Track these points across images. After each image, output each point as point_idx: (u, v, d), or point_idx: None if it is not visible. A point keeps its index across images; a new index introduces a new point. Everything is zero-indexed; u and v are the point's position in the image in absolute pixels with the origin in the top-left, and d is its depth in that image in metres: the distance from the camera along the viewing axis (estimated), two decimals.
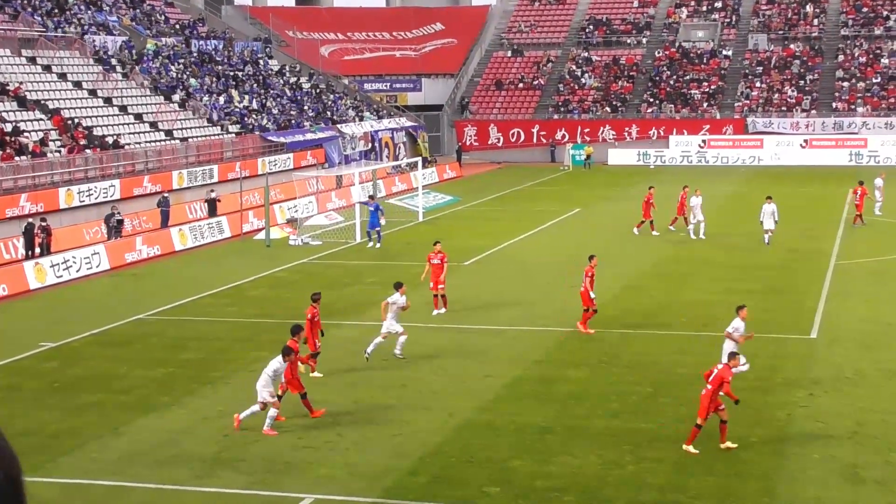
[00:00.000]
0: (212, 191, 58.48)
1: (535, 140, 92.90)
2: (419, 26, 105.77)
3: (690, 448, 22.11)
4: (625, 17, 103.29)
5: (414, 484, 21.01)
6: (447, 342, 31.72)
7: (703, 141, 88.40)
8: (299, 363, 25.07)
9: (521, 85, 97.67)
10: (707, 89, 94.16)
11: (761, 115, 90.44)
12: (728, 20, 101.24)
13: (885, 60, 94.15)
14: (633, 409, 25.22)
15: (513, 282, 40.73)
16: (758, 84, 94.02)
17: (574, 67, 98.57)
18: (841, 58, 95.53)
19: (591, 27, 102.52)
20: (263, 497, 20.37)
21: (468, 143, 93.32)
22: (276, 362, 23.88)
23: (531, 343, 31.32)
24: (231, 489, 20.71)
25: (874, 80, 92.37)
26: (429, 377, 28.17)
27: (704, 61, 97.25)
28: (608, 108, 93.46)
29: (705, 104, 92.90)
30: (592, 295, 32.13)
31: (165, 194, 55.84)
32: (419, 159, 69.62)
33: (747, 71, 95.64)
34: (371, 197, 53.38)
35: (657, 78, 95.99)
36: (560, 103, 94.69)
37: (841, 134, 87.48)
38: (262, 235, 51.69)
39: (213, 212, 56.37)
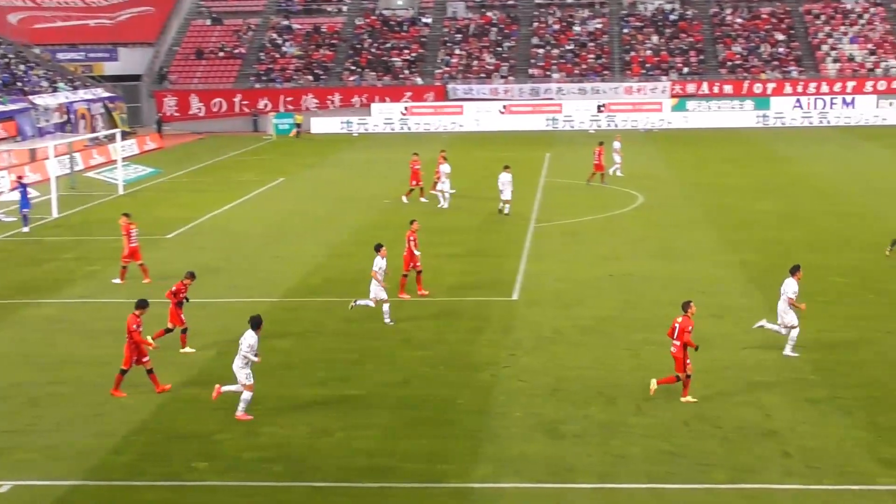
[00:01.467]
0: None
1: (237, 109, 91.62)
2: None
3: (690, 398, 22.85)
4: None
5: (118, 463, 20.38)
6: (149, 317, 30.83)
7: (406, 108, 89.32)
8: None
9: (221, 54, 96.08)
10: (408, 57, 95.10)
11: (461, 81, 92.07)
12: None
13: (577, 28, 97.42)
14: (340, 376, 25.23)
15: (218, 253, 40.05)
16: (457, 51, 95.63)
17: (275, 36, 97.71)
18: (536, 25, 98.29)
19: None
20: None
21: (169, 113, 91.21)
22: (251, 337, 22.44)
23: (237, 315, 30.80)
24: None
25: (567, 48, 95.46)
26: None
27: (405, 29, 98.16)
28: (310, 77, 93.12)
29: (407, 71, 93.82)
30: (417, 252, 32.14)
31: None
32: (118, 131, 67.52)
33: (447, 38, 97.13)
34: (18, 178, 51.41)
35: (358, 46, 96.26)
36: (262, 72, 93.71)
37: (538, 99, 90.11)
38: None
39: None
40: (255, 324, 22.70)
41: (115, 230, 40.66)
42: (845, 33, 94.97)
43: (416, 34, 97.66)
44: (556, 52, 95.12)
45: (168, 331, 27.65)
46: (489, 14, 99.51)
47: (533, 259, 37.77)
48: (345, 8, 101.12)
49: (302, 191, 56.14)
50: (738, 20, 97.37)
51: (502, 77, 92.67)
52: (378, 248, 29.82)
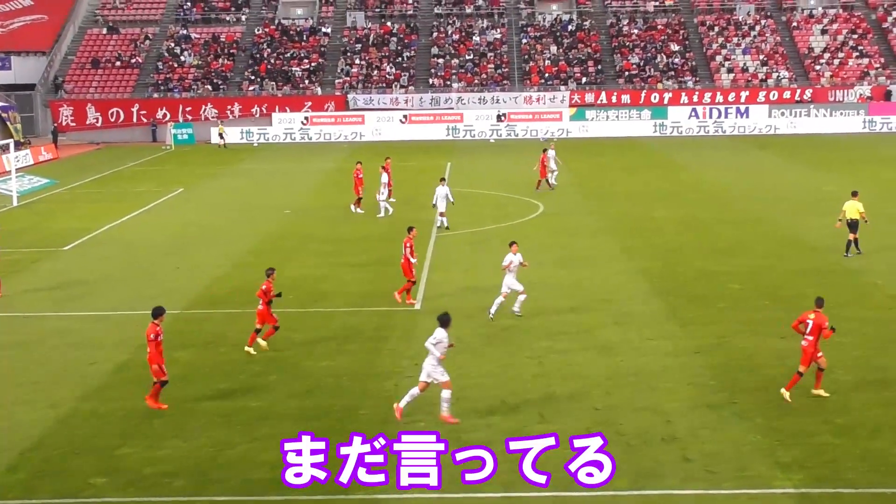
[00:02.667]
0: None
1: (135, 119, 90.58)
2: (4, 1, 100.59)
3: (787, 394, 23.08)
4: None
5: (13, 481, 20.00)
6: (48, 331, 30.38)
7: (306, 118, 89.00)
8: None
9: (118, 63, 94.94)
10: (308, 66, 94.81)
11: (362, 91, 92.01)
12: None
13: (476, 38, 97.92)
14: (243, 387, 25.05)
15: (116, 264, 39.53)
16: (357, 61, 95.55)
17: (173, 45, 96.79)
18: (436, 35, 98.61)
19: (189, 4, 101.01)
20: None
21: (64, 123, 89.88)
22: (441, 334, 22.57)
23: (137, 327, 30.42)
24: None
25: (467, 57, 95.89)
26: (30, 368, 26.91)
27: (304, 39, 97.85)
28: (209, 87, 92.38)
29: (307, 81, 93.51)
30: (413, 260, 32.32)
31: None
32: (11, 141, 66.27)
33: (347, 48, 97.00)
34: None
35: (258, 55, 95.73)
36: (160, 82, 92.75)
37: (438, 109, 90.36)
38: None
39: None
40: (444, 321, 22.90)
41: (8, 241, 40.03)
42: (738, 44, 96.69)
43: (316, 44, 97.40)
44: (455, 61, 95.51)
45: (258, 331, 27.87)
46: (389, 24, 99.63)
47: (435, 268, 37.85)
48: (244, 17, 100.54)
49: (202, 201, 55.64)
50: (635, 31, 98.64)
51: (402, 87, 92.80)
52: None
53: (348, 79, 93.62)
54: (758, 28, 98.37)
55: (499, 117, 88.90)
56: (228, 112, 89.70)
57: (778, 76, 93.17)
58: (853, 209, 38.60)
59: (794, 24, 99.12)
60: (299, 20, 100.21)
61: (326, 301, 33.41)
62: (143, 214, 51.33)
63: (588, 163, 69.60)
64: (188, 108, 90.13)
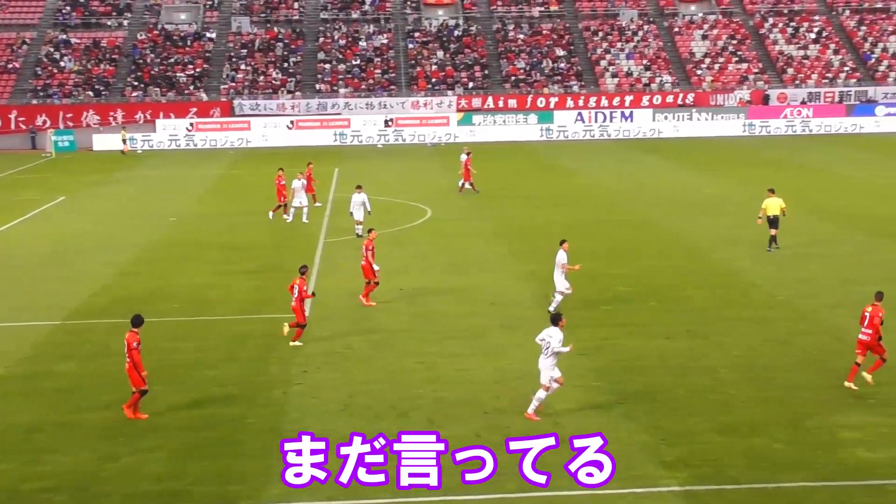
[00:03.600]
0: None
1: (13, 126, 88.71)
2: None
3: (853, 385, 23.68)
4: None
5: None
6: None
7: (191, 124, 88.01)
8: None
9: None
10: (193, 72, 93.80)
11: (248, 97, 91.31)
12: (210, 2, 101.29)
13: (363, 43, 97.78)
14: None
15: None
16: (243, 66, 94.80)
17: (52, 50, 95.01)
18: (322, 40, 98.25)
19: (69, 8, 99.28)
20: None
21: None
22: (556, 332, 22.77)
23: (16, 339, 29.81)
24: None
25: (354, 63, 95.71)
26: None
27: (188, 44, 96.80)
28: (91, 93, 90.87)
29: (192, 87, 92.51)
30: (376, 267, 32.73)
31: None
32: None
33: (232, 53, 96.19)
34: None
35: (141, 61, 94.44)
36: (39, 87, 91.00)
37: (325, 114, 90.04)
38: None
39: None
40: (556, 319, 23.24)
41: None
42: (622, 50, 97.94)
43: (201, 49, 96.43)
44: (342, 67, 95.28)
45: (302, 326, 28.85)
46: (275, 29, 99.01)
47: (324, 275, 37.67)
48: (125, 22, 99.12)
49: (85, 209, 54.67)
50: (521, 36, 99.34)
51: (289, 92, 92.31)
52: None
53: (234, 84, 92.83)
54: (641, 33, 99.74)
55: (386, 122, 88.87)
56: (111, 119, 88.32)
57: (661, 81, 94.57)
58: (774, 206, 39.83)
59: (676, 29, 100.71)
60: (183, 25, 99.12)
61: (214, 309, 33.07)
62: (23, 223, 50.28)
63: (476, 167, 69.80)
64: (69, 115, 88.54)
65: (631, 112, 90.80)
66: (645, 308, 32.07)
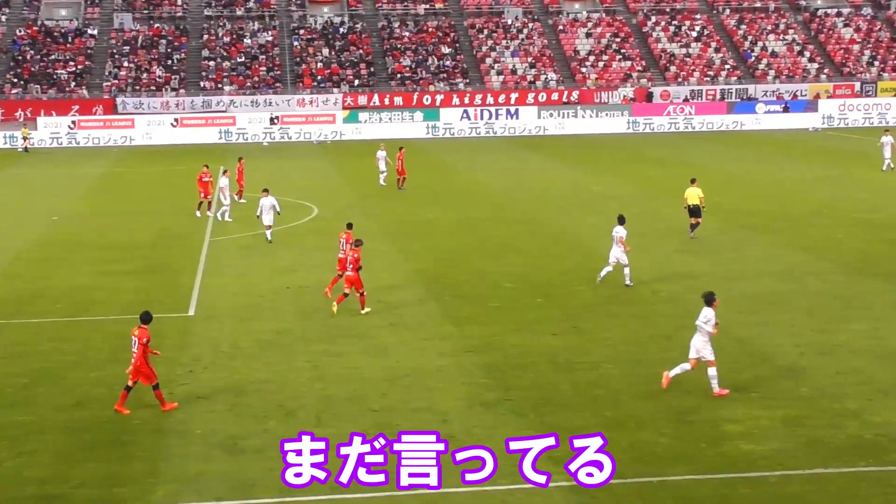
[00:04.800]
0: None
1: None
2: None
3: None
4: None
5: None
6: None
7: (73, 122, 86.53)
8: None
9: None
10: (74, 69, 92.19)
11: (131, 94, 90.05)
12: None
13: (247, 40, 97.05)
14: (9, 401, 24.13)
15: None
16: (126, 64, 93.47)
17: None
18: (206, 37, 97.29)
19: None
20: None
21: None
22: (709, 312, 23.45)
23: None
24: None
25: (239, 60, 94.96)
26: None
27: (69, 41, 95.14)
28: None
29: (73, 84, 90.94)
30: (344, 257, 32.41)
31: None
32: None
33: (114, 50, 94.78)
34: None
35: (20, 57, 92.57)
36: None
37: (210, 112, 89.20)
38: None
39: None
40: (709, 300, 23.60)
41: None
42: (507, 47, 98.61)
43: (82, 46, 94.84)
44: (227, 64, 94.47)
45: (346, 295, 30.67)
46: (158, 26, 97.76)
47: (209, 274, 37.31)
48: (3, 18, 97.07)
49: None
50: (406, 33, 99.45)
51: (173, 90, 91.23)
52: (621, 219, 33.90)
53: (117, 82, 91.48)
54: (525, 31, 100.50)
55: (272, 120, 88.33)
56: None
57: (546, 78, 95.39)
58: (693, 195, 41.03)
59: (561, 27, 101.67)
60: (63, 21, 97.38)
61: (97, 309, 32.55)
62: None
63: (362, 165, 69.79)
64: None
65: (516, 109, 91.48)
66: (532, 305, 32.31)
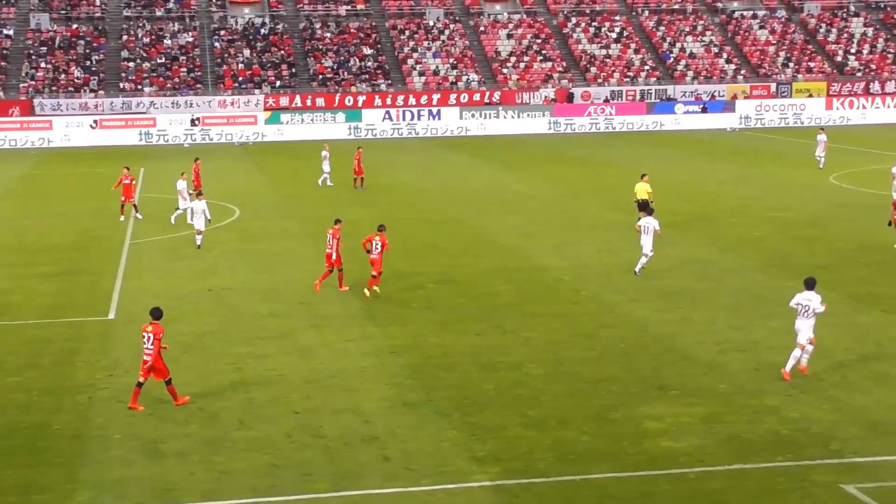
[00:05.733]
0: None
1: None
2: None
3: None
4: None
5: None
6: None
7: None
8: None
9: None
10: None
11: (48, 96, 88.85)
12: None
13: (168, 41, 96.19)
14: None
15: None
16: (43, 64, 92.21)
17: None
18: (125, 38, 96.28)
19: None
20: None
21: None
22: (815, 296, 24.31)
23: None
24: None
25: (159, 61, 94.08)
26: None
27: None
28: None
29: None
30: (334, 256, 33.72)
31: None
32: None
33: (31, 51, 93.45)
34: None
35: None
36: None
37: (130, 113, 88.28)
38: None
39: None
40: (811, 284, 24.74)
41: None
42: (429, 48, 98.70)
43: None
44: (147, 65, 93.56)
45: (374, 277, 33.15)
46: (75, 26, 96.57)
47: (130, 276, 36.94)
48: None
49: None
50: (328, 34, 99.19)
51: (92, 91, 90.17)
52: (647, 208, 37.04)
53: (34, 83, 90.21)
54: (447, 32, 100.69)
55: (193, 121, 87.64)
56: None
57: (468, 79, 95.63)
58: (642, 190, 42.49)
59: (482, 28, 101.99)
60: None
61: (14, 314, 32.09)
62: None
63: (284, 166, 69.56)
64: None
65: (438, 110, 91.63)
66: (455, 305, 32.39)
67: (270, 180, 62.05)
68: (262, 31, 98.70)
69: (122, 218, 47.95)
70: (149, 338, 23.27)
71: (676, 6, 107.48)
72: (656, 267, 36.71)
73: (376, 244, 33.28)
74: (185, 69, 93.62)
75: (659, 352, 27.01)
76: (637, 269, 35.63)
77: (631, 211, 43.96)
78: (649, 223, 35.37)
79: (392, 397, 24.00)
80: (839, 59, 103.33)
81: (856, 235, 42.23)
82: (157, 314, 23.75)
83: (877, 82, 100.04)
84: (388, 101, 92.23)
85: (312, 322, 30.32)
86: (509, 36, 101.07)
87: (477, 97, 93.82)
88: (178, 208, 47.03)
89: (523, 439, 21.39)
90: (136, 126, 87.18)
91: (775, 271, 35.99)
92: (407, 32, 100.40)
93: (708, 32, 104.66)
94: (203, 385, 25.05)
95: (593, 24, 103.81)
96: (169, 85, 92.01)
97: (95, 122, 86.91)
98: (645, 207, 41.33)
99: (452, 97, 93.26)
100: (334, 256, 33.81)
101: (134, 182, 49.11)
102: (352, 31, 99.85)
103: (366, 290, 33.16)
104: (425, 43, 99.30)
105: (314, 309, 31.84)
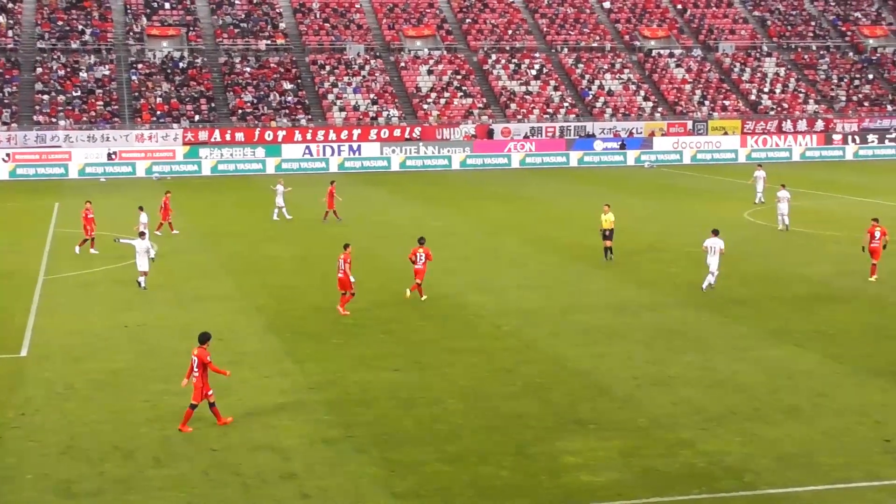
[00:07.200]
0: None
1: None
2: None
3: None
4: None
5: None
6: None
7: None
8: None
9: None
10: None
11: None
12: None
13: (84, 74, 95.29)
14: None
15: None
16: None
17: None
18: (40, 70, 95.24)
19: None
20: None
21: None
22: (720, 243, 25.21)
23: None
24: None
25: (74, 94, 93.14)
26: None
27: None
28: None
29: None
30: (352, 279, 35.22)
31: None
32: None
33: None
34: None
35: None
36: None
37: (45, 147, 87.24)
38: None
39: None
40: (716, 232, 26.87)
41: None
42: (349, 83, 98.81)
43: None
44: (62, 98, 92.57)
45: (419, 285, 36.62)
46: None
47: (42, 313, 36.37)
48: None
49: None
50: (247, 69, 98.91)
51: (4, 124, 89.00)
52: (716, 231, 37.89)
53: None
54: (368, 68, 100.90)
55: (109, 155, 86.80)
56: None
57: (388, 115, 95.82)
58: (608, 221, 44.16)
59: (402, 64, 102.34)
60: None
61: None
62: None
63: (202, 201, 69.06)
64: None
65: (359, 145, 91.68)
66: (374, 341, 32.30)
67: (188, 216, 61.52)
68: (181, 64, 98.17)
69: (94, 251, 47.43)
70: (195, 361, 24.08)
71: (595, 44, 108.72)
72: (574, 302, 36.93)
73: (420, 255, 37.04)
74: (101, 102, 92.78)
75: (576, 387, 27.14)
76: (704, 286, 37.90)
77: (550, 248, 44.22)
78: (715, 244, 37.51)
79: (310, 434, 23.83)
80: (753, 97, 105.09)
81: (769, 270, 42.83)
82: (203, 338, 24.49)
83: (788, 121, 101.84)
84: (309, 136, 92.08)
85: (230, 358, 30.02)
86: (430, 72, 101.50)
87: (398, 132, 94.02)
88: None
89: (442, 475, 21.34)
90: (52, 160, 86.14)
91: (691, 307, 36.35)
92: (327, 67, 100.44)
93: (626, 70, 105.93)
94: (118, 423, 24.69)
95: (513, 60, 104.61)
96: (85, 118, 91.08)
97: (8, 155, 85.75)
98: (609, 237, 43.98)
99: (373, 132, 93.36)
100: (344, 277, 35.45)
101: (94, 217, 48.39)
102: (272, 65, 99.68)
103: (407, 291, 37.27)
104: (346, 78, 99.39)
105: (231, 346, 31.55)
